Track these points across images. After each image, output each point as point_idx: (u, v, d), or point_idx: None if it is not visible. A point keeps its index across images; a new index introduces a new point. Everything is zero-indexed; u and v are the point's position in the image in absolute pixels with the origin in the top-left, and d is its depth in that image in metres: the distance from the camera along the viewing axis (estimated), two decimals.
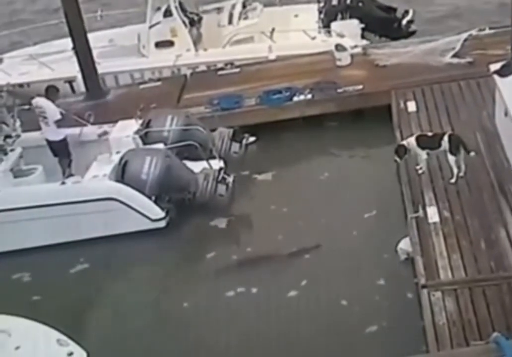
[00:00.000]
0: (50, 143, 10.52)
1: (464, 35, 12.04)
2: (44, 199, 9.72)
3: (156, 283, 9.08)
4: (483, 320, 6.84)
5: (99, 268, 9.43)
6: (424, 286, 7.42)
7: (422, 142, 8.97)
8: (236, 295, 8.46)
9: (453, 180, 8.83)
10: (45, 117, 10.39)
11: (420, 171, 9.05)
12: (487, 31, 12.26)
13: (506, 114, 8.77)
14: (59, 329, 6.84)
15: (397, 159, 9.02)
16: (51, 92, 10.54)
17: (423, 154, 8.98)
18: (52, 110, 10.34)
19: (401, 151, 9.00)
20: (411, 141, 9.03)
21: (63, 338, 6.71)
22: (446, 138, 8.82)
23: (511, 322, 6.75)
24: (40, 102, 10.46)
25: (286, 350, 7.63)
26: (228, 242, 9.66)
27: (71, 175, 10.19)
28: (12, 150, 10.46)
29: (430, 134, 9.23)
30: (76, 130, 10.66)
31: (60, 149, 10.48)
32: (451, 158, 8.79)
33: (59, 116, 10.31)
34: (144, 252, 9.64)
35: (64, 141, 10.45)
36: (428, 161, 9.09)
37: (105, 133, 10.64)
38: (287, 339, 7.74)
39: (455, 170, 8.83)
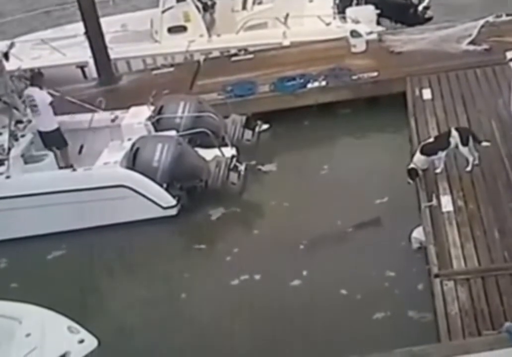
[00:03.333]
0: (43, 134, 10.37)
1: (481, 22, 11.91)
2: (55, 186, 9.70)
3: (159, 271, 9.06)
4: (495, 310, 6.77)
5: (101, 256, 9.44)
6: (436, 276, 7.36)
7: (428, 149, 8.73)
8: (241, 283, 8.45)
9: (469, 168, 8.72)
10: (35, 106, 10.27)
11: (438, 171, 8.81)
12: (504, 18, 12.16)
13: None
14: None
15: (410, 181, 8.79)
16: (36, 78, 10.50)
17: (440, 161, 8.73)
18: (40, 95, 10.21)
19: (413, 174, 8.75)
20: (418, 159, 8.72)
21: (74, 325, 6.70)
22: (454, 133, 8.67)
23: None
24: (28, 91, 10.36)
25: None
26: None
27: (71, 166, 10.13)
28: (23, 135, 10.39)
29: (431, 139, 8.99)
30: (87, 116, 10.61)
31: (55, 139, 10.37)
32: (464, 149, 8.67)
33: (50, 99, 10.20)
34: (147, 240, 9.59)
35: (58, 130, 10.35)
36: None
37: (117, 117, 10.54)
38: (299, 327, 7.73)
39: (471, 159, 8.71)
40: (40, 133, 10.44)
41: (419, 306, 7.58)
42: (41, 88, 10.35)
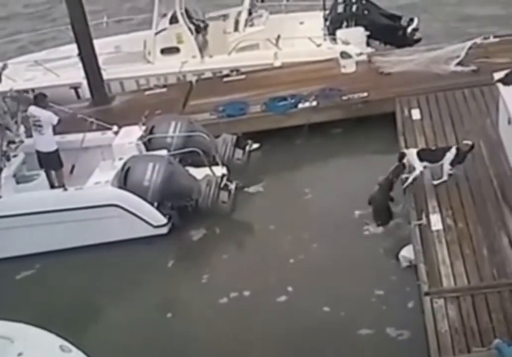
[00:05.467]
0: (42, 154, 10.41)
1: (469, 43, 12.05)
2: (47, 205, 9.74)
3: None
4: (485, 327, 6.81)
5: (86, 273, 9.45)
6: (427, 294, 7.40)
7: (424, 155, 8.98)
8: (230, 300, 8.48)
9: (435, 183, 8.95)
10: (39, 126, 10.32)
11: (407, 182, 8.99)
12: (492, 40, 12.28)
13: (509, 122, 8.77)
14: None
15: (398, 163, 9.06)
16: (39, 99, 10.56)
17: (419, 167, 8.95)
18: (47, 116, 10.30)
19: (401, 157, 9.04)
20: (411, 152, 9.04)
21: (66, 344, 6.67)
22: (453, 150, 8.87)
23: None
24: (32, 110, 10.42)
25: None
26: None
27: (63, 186, 10.15)
28: (15, 156, 10.47)
29: (433, 148, 9.24)
30: (78, 136, 10.67)
31: (53, 161, 10.41)
32: (448, 168, 8.88)
33: (57, 119, 10.27)
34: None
35: (57, 151, 10.40)
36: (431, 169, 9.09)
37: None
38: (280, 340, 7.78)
39: (445, 177, 8.92)
40: (39, 153, 10.45)
41: (408, 324, 7.61)
42: (45, 108, 10.42)
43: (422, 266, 7.78)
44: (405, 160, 9.00)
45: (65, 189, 9.92)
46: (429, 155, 9.01)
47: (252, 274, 8.89)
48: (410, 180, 8.98)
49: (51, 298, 9.09)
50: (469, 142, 9.09)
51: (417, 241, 8.19)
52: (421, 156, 8.98)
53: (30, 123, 10.47)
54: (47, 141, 10.36)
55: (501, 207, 8.44)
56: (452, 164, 8.90)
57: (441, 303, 7.22)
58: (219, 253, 9.50)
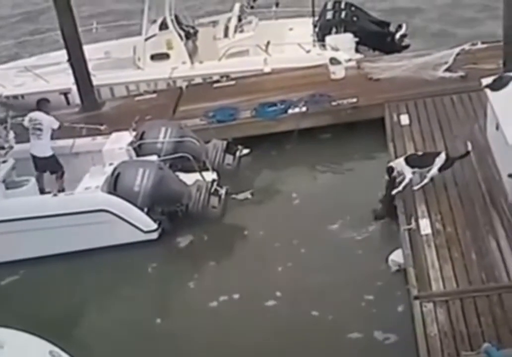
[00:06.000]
0: (38, 159, 10.42)
1: (457, 50, 12.15)
2: (37, 211, 9.70)
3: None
4: (474, 331, 6.85)
5: (75, 280, 9.43)
6: (416, 297, 7.43)
7: (412, 161, 9.04)
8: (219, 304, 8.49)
9: (416, 188, 9.00)
10: (39, 129, 10.34)
11: (397, 190, 9.03)
12: (479, 46, 12.37)
13: (497, 127, 8.82)
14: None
15: (387, 177, 9.18)
16: (42, 104, 10.60)
17: (409, 174, 9.01)
18: (48, 121, 10.35)
19: (390, 171, 9.10)
20: (399, 162, 9.11)
21: (56, 350, 6.64)
22: (443, 155, 8.93)
23: (502, 333, 6.76)
24: (35, 115, 10.45)
25: None
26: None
27: (63, 189, 10.19)
28: (4, 161, 10.43)
29: (420, 153, 9.31)
30: (68, 142, 10.67)
31: (49, 165, 10.41)
32: (434, 173, 8.93)
33: (58, 124, 10.32)
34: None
35: (54, 156, 10.42)
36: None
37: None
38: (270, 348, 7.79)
39: (426, 180, 8.98)
40: (35, 158, 10.43)
41: (398, 328, 7.64)
42: (48, 113, 10.44)
43: (411, 270, 7.82)
44: (395, 173, 9.04)
45: (55, 195, 9.89)
46: (417, 161, 9.07)
47: (241, 280, 8.89)
48: (400, 187, 9.00)
49: (37, 304, 9.05)
50: (469, 148, 9.09)
51: (406, 245, 8.23)
52: (409, 162, 9.04)
53: (29, 127, 10.45)
54: (43, 146, 10.37)
55: (489, 211, 8.51)
56: (440, 169, 8.96)
57: (430, 307, 7.26)
58: (207, 259, 9.50)
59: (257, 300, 8.45)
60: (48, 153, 10.41)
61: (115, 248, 9.61)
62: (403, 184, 9.02)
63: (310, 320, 8.05)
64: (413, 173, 9.03)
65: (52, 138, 10.48)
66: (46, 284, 9.39)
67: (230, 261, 9.47)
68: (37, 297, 9.18)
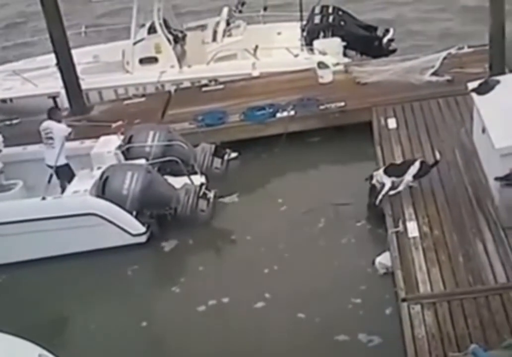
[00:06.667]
0: (52, 168, 10.29)
1: (443, 54, 12.22)
2: (25, 214, 9.68)
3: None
4: (461, 333, 6.92)
5: (57, 285, 9.39)
6: (404, 300, 7.50)
7: (390, 171, 9.19)
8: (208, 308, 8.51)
9: (392, 192, 9.11)
10: (51, 138, 10.24)
11: (378, 198, 9.16)
12: (466, 50, 12.47)
13: (483, 131, 8.89)
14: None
15: (369, 184, 9.36)
16: (52, 112, 10.53)
17: (388, 183, 9.12)
18: (58, 129, 10.24)
19: (369, 179, 9.30)
20: (379, 173, 9.25)
21: (45, 353, 6.60)
22: (417, 164, 9.04)
23: (489, 335, 6.83)
24: (46, 124, 10.35)
25: None
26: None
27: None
28: None
29: (398, 162, 9.42)
30: None
31: (65, 173, 10.33)
32: (408, 181, 9.05)
33: (68, 131, 10.24)
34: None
35: (67, 165, 10.33)
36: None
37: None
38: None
39: (401, 188, 9.07)
40: (49, 167, 10.29)
41: (385, 330, 7.69)
42: (59, 121, 10.36)
43: (399, 273, 7.88)
44: (374, 181, 9.21)
45: (44, 198, 9.87)
46: (395, 170, 9.19)
47: (228, 283, 8.91)
48: (380, 196, 9.14)
49: (21, 308, 9.01)
50: (438, 156, 9.22)
51: (394, 248, 8.30)
52: (388, 172, 9.18)
53: (42, 137, 10.36)
54: (56, 156, 10.20)
55: (476, 214, 8.58)
56: (414, 177, 9.05)
57: (418, 309, 7.32)
58: (194, 263, 9.50)
59: (246, 304, 8.47)
60: (61, 162, 10.26)
61: (100, 251, 9.61)
62: (383, 192, 9.13)
63: (297, 322, 8.08)
64: (393, 182, 9.13)
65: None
66: (30, 288, 9.38)
67: (218, 264, 9.48)
68: (21, 301, 9.16)
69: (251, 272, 9.01)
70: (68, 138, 10.28)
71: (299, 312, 8.19)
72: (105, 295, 9.17)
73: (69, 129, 10.30)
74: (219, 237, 10.02)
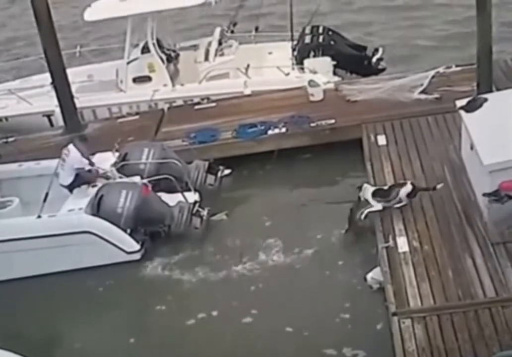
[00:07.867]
0: (63, 187, 10.46)
1: (432, 72, 12.40)
2: (20, 232, 9.77)
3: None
4: (450, 346, 7.03)
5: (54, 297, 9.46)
6: (394, 314, 7.61)
7: (378, 195, 9.31)
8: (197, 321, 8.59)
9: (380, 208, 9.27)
10: (63, 160, 10.37)
11: (363, 215, 9.31)
12: (454, 69, 12.63)
13: (471, 147, 9.04)
14: None
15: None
16: (76, 141, 10.65)
17: (377, 206, 9.25)
18: (73, 157, 10.32)
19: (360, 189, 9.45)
20: (368, 189, 9.40)
21: None
22: (409, 186, 9.19)
23: (478, 348, 6.94)
24: (70, 146, 10.47)
25: None
26: None
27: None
28: None
29: (386, 187, 9.46)
30: (53, 163, 10.73)
31: (75, 186, 10.44)
32: (404, 201, 9.20)
33: (80, 165, 10.33)
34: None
35: (73, 183, 10.43)
36: None
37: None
38: None
39: (379, 207, 9.22)
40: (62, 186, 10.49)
41: (377, 345, 7.82)
42: (81, 152, 10.42)
43: (389, 287, 7.99)
44: (360, 193, 9.35)
45: (39, 216, 9.96)
46: (383, 195, 9.30)
47: (216, 299, 9.01)
48: (364, 214, 9.30)
49: (10, 324, 9.07)
50: (439, 186, 9.29)
51: (384, 263, 8.41)
52: (376, 195, 9.28)
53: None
54: (65, 177, 10.37)
55: (464, 230, 8.71)
56: (408, 196, 9.19)
57: (408, 323, 7.43)
58: (180, 280, 9.55)
59: (235, 318, 8.55)
60: (69, 180, 10.42)
61: (95, 267, 9.70)
62: (367, 211, 9.27)
63: (285, 336, 8.17)
64: (383, 207, 9.26)
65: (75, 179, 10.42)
66: (20, 304, 9.43)
67: (204, 282, 9.51)
68: (10, 317, 9.21)
69: (240, 287, 9.09)
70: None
71: (287, 326, 8.28)
72: (95, 311, 9.22)
73: (82, 165, 10.37)
74: (210, 252, 10.05)
